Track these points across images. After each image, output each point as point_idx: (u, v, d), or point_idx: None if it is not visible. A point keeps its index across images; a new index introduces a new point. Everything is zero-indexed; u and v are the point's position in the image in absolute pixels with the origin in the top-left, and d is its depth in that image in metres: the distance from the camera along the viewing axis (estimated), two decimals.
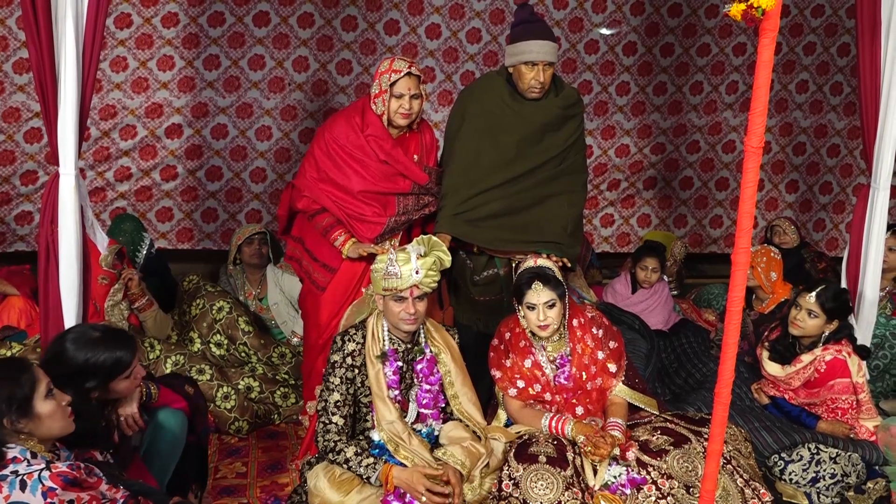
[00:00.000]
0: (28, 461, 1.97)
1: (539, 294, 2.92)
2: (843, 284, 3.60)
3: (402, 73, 3.13)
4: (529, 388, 3.00)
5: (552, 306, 2.92)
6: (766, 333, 3.57)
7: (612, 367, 3.05)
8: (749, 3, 1.76)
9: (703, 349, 4.11)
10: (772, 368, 3.44)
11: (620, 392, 3.05)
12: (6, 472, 1.94)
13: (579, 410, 2.97)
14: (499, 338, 3.13)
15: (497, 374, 3.05)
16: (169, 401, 2.68)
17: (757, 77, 1.88)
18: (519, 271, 3.06)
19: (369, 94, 3.26)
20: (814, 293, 3.30)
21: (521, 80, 3.29)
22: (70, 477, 1.96)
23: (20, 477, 1.92)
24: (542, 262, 3.05)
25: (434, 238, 2.80)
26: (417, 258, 2.68)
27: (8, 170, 4.97)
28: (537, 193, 3.38)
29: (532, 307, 2.93)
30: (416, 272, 2.66)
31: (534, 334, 3.00)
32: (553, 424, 2.88)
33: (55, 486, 1.93)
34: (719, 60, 5.95)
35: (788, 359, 3.39)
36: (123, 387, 2.46)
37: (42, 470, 1.95)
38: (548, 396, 3.00)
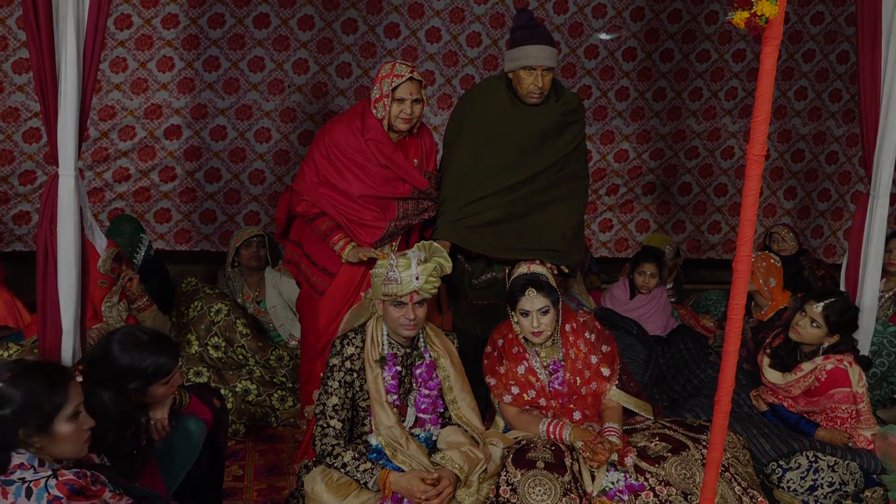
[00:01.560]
0: (35, 468, 1.96)
1: (533, 301, 2.91)
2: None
3: (404, 78, 3.12)
4: (524, 394, 2.99)
5: (546, 313, 2.92)
6: (768, 340, 3.54)
7: (606, 371, 3.05)
8: (753, 11, 1.76)
9: (701, 355, 4.10)
10: (772, 376, 3.42)
11: (615, 396, 3.05)
12: (13, 477, 1.93)
13: (577, 415, 2.97)
14: (492, 344, 3.12)
15: (492, 380, 3.04)
16: (196, 411, 2.67)
17: (759, 85, 1.88)
18: (513, 277, 3.06)
19: (369, 98, 3.25)
20: (822, 304, 3.24)
21: (520, 85, 3.28)
22: (76, 486, 1.95)
23: (27, 484, 1.92)
24: (536, 268, 3.04)
25: (435, 244, 2.78)
26: (418, 264, 2.67)
27: (6, 169, 4.96)
28: (537, 200, 3.37)
29: (526, 313, 2.93)
30: (417, 278, 2.64)
31: (527, 340, 3.00)
32: (551, 430, 2.87)
33: (61, 495, 1.92)
34: (719, 66, 5.95)
35: (790, 366, 3.36)
36: (161, 392, 2.46)
37: (49, 478, 1.94)
38: (543, 402, 3.00)
